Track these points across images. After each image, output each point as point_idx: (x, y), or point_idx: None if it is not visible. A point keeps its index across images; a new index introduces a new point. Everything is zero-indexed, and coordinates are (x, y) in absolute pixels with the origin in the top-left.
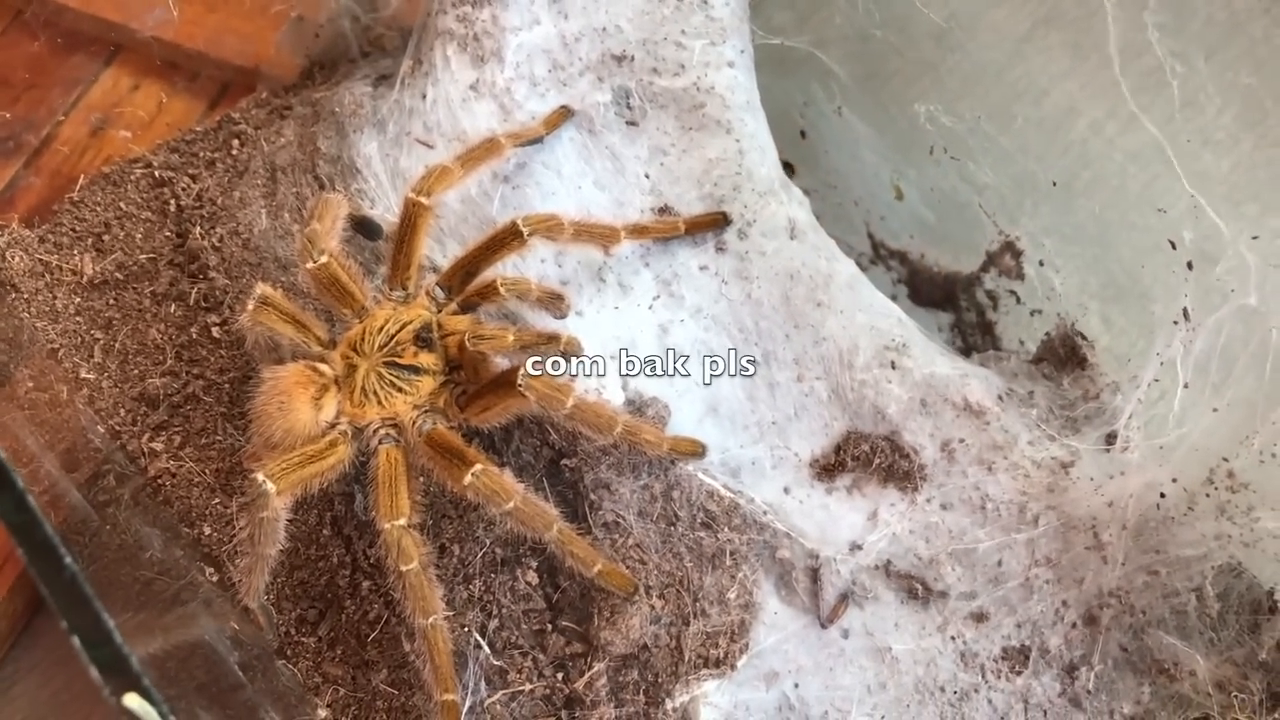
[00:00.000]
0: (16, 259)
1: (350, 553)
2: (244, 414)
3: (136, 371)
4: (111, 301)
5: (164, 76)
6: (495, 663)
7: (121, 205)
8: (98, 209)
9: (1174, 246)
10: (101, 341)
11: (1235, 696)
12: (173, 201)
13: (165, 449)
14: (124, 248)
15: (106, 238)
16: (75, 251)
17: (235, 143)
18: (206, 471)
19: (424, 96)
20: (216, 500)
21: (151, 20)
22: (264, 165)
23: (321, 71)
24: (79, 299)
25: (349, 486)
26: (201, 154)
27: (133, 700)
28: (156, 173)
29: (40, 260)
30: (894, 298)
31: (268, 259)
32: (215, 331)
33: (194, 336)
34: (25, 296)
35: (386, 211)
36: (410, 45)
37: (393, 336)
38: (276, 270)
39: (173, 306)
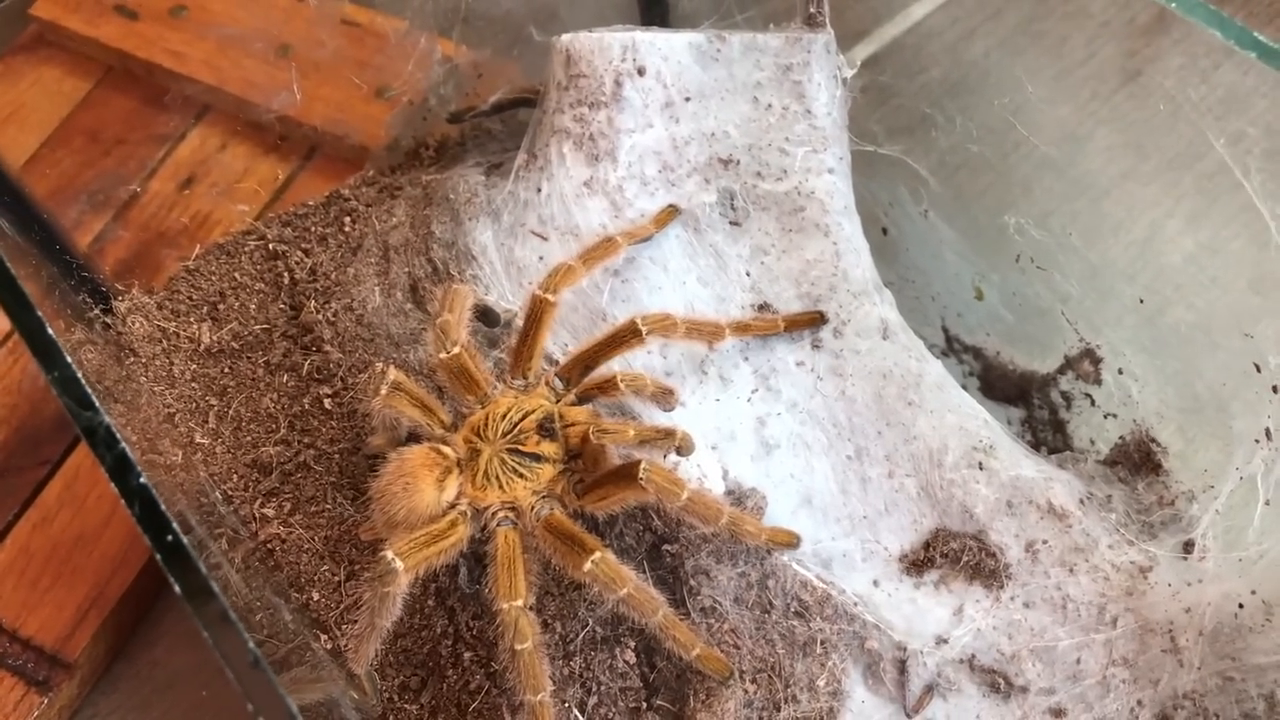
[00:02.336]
0: (137, 324)
1: (453, 623)
2: (353, 483)
3: (250, 439)
4: (227, 369)
5: (251, 137)
6: None
7: (236, 276)
8: (213, 278)
9: (1259, 369)
10: (216, 408)
11: None
12: (286, 274)
13: (276, 515)
14: (239, 318)
15: (222, 307)
16: (192, 319)
17: (347, 220)
18: (316, 538)
19: (539, 190)
20: (325, 567)
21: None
22: (377, 244)
23: (427, 152)
24: (195, 365)
25: (454, 559)
26: (314, 229)
27: None
28: (270, 245)
29: (159, 326)
30: (963, 388)
31: (380, 335)
32: (327, 403)
33: (306, 407)
34: (143, 361)
35: (500, 298)
36: (525, 140)
37: (516, 424)
38: (389, 347)
39: (286, 377)
